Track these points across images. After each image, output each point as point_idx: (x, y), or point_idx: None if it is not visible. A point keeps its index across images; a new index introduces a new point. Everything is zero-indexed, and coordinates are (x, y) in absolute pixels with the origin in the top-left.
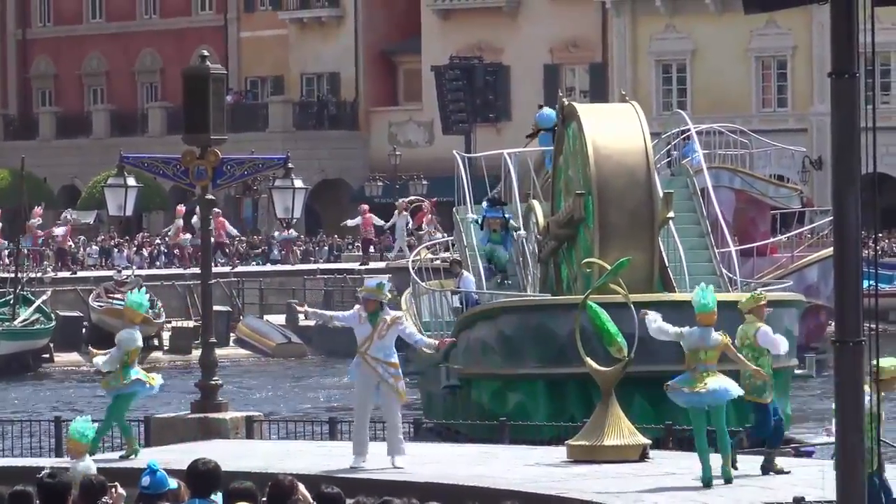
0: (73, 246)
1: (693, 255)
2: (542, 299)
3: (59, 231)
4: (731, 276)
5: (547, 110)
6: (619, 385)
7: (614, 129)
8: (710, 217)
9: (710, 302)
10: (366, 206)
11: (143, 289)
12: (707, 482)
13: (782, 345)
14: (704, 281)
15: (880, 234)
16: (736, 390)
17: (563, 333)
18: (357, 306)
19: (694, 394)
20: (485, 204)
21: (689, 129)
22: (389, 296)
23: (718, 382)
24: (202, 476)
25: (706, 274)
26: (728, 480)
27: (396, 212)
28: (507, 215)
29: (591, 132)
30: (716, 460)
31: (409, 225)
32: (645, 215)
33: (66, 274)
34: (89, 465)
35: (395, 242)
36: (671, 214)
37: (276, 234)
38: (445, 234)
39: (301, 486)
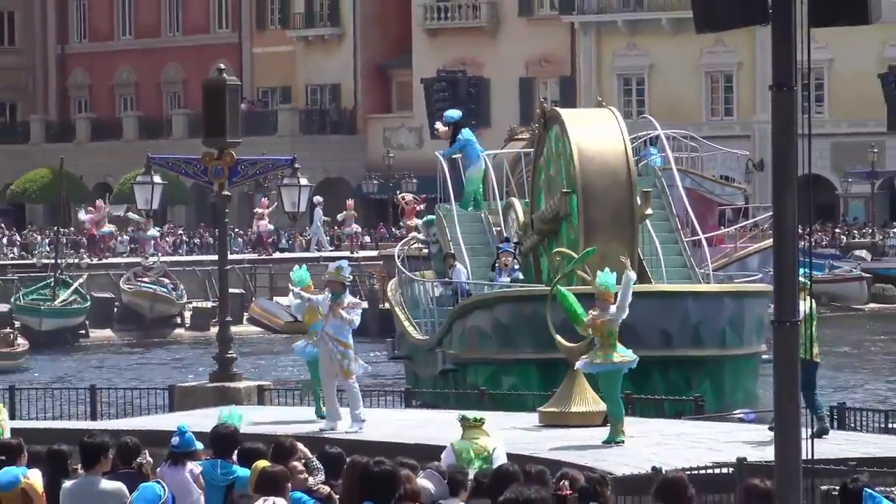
0: (106, 236)
1: (665, 249)
2: (535, 290)
3: (84, 217)
4: (704, 271)
5: (450, 111)
6: None
7: (596, 133)
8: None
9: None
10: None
11: None
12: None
13: None
14: (676, 273)
15: (814, 228)
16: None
17: (555, 321)
18: (326, 291)
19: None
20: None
21: (657, 133)
22: (350, 278)
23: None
24: (223, 439)
25: (678, 266)
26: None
27: (315, 207)
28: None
29: (575, 135)
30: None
31: (321, 219)
32: (626, 212)
33: (98, 260)
34: None
35: (312, 235)
36: (650, 211)
37: (347, 229)
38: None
39: (301, 446)
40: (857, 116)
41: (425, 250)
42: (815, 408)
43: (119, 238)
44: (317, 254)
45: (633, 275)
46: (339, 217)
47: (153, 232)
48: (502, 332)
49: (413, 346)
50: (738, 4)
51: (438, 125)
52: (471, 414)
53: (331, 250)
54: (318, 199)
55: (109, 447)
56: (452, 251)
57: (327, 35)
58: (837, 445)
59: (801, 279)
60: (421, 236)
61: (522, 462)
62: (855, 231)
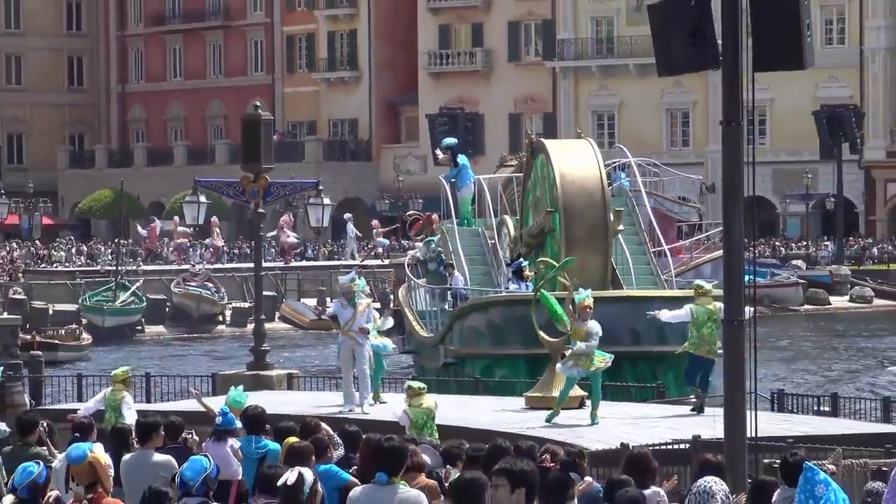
0: (159, 246)
1: (634, 259)
2: (524, 295)
3: (143, 232)
4: (667, 278)
5: (448, 139)
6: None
7: (575, 160)
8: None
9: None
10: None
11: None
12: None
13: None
14: (644, 280)
15: (757, 241)
16: None
17: (541, 322)
18: (336, 300)
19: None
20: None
21: (627, 160)
22: (360, 284)
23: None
24: (253, 418)
25: (645, 274)
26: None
27: (347, 223)
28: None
29: (558, 162)
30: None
31: (353, 233)
32: (600, 228)
33: (153, 267)
34: None
35: (346, 247)
36: (621, 227)
37: (380, 240)
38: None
39: (324, 425)
40: (794, 147)
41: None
42: (706, 390)
43: (191, 248)
44: (350, 262)
45: (608, 361)
46: (374, 233)
47: (218, 242)
48: (495, 331)
49: (419, 343)
50: (693, 52)
51: (438, 152)
52: (415, 384)
53: (359, 260)
54: (348, 215)
55: (160, 425)
56: (453, 262)
57: (347, 77)
58: (777, 425)
59: (705, 285)
60: (416, 253)
61: (513, 439)
62: (792, 244)
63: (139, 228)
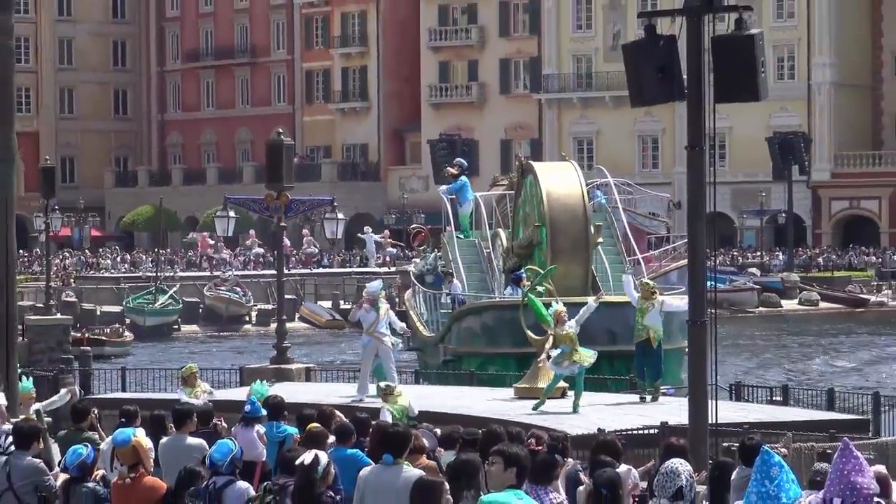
0: (212, 250)
1: (612, 267)
2: (514, 300)
3: (197, 236)
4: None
5: (461, 159)
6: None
7: (560, 180)
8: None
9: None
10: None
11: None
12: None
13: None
14: (621, 286)
15: (718, 252)
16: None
17: (529, 323)
18: (356, 304)
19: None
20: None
21: (607, 180)
22: (384, 293)
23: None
24: (274, 406)
25: (622, 281)
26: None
27: (366, 234)
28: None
29: (545, 182)
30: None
31: (374, 244)
32: (582, 240)
33: (190, 273)
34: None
35: (369, 255)
36: (601, 240)
37: (391, 250)
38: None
39: (338, 412)
40: (750, 169)
41: (428, 278)
42: (652, 378)
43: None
44: (360, 269)
45: (595, 304)
46: (383, 243)
47: (258, 250)
48: (488, 332)
49: (422, 341)
50: (662, 86)
51: (448, 169)
52: (383, 384)
53: (375, 267)
54: (368, 228)
55: (194, 412)
56: (452, 270)
57: (358, 107)
58: (735, 413)
59: (650, 282)
60: (413, 268)
61: (504, 425)
62: (748, 254)
63: (201, 239)
